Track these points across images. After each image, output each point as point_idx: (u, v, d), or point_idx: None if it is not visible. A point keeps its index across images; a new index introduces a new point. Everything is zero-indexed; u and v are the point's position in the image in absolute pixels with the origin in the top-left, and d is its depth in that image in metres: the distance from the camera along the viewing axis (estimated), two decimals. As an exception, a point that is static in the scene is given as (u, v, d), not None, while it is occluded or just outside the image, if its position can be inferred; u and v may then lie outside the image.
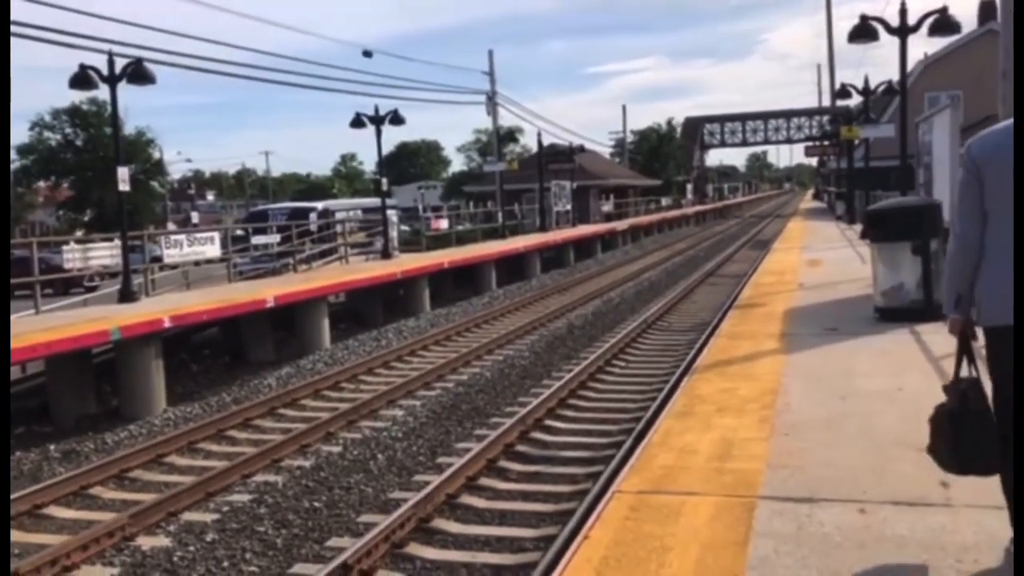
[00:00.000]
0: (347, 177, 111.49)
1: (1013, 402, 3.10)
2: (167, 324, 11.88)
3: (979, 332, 3.43)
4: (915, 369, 6.72)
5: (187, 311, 12.62)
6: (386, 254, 23.05)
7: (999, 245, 3.24)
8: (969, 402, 3.37)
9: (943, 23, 13.97)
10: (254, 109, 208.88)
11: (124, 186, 14.40)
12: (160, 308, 12.85)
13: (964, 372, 3.44)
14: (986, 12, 34.88)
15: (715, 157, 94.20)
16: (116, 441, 10.08)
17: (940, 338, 7.78)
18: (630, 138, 79.57)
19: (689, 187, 69.33)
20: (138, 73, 14.24)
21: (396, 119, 22.98)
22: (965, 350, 3.45)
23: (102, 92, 14.73)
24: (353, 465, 8.44)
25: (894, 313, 8.91)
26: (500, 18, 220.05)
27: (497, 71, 39.61)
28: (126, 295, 14.32)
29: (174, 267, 18.45)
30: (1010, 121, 3.38)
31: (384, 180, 24.70)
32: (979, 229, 3.32)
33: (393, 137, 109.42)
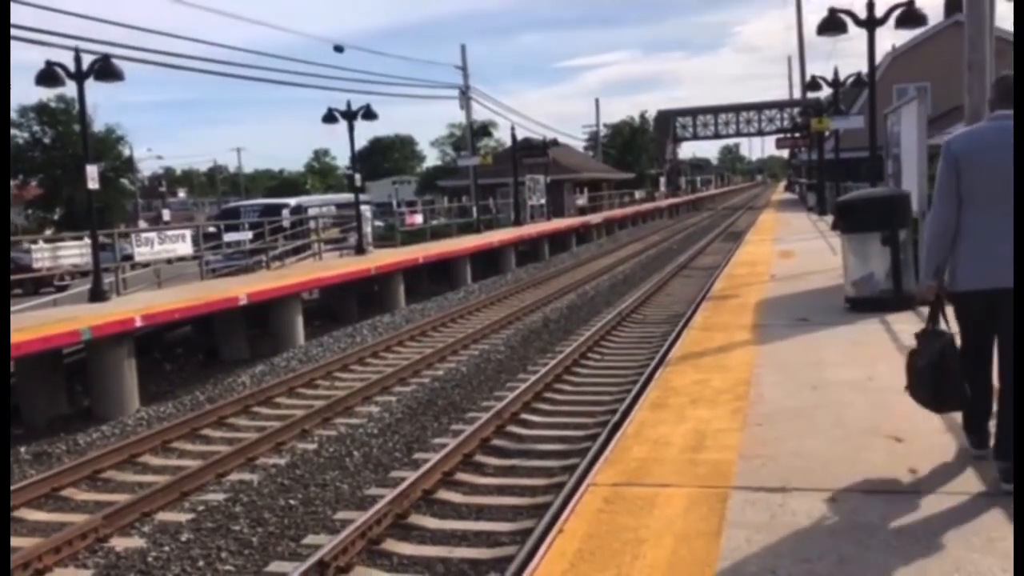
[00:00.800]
0: (320, 173, 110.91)
1: (980, 353, 4.17)
2: (139, 323, 11.77)
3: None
4: (885, 358, 6.81)
5: (159, 310, 12.51)
6: (360, 250, 22.95)
7: (970, 224, 4.04)
8: (947, 358, 4.20)
9: (910, 15, 14.12)
10: (225, 105, 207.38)
11: (93, 184, 14.23)
12: (131, 307, 12.72)
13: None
14: (952, 4, 35.26)
15: (688, 150, 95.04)
16: (88, 442, 9.99)
17: (910, 327, 7.87)
18: (603, 132, 79.77)
19: (662, 180, 69.70)
20: (105, 70, 14.06)
21: (369, 114, 22.87)
22: (940, 309, 4.30)
23: (70, 89, 14.53)
24: (329, 462, 8.42)
25: (864, 303, 9.01)
26: (472, 12, 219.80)
27: (470, 65, 39.59)
28: (97, 294, 14.16)
29: (145, 265, 18.26)
30: (984, 124, 4.32)
31: (357, 175, 24.57)
32: (955, 211, 4.08)
33: (367, 132, 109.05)
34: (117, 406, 11.15)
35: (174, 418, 10.64)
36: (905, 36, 33.35)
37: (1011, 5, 14.80)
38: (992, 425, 4.22)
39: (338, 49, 27.34)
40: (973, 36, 9.69)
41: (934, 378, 4.26)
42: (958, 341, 4.26)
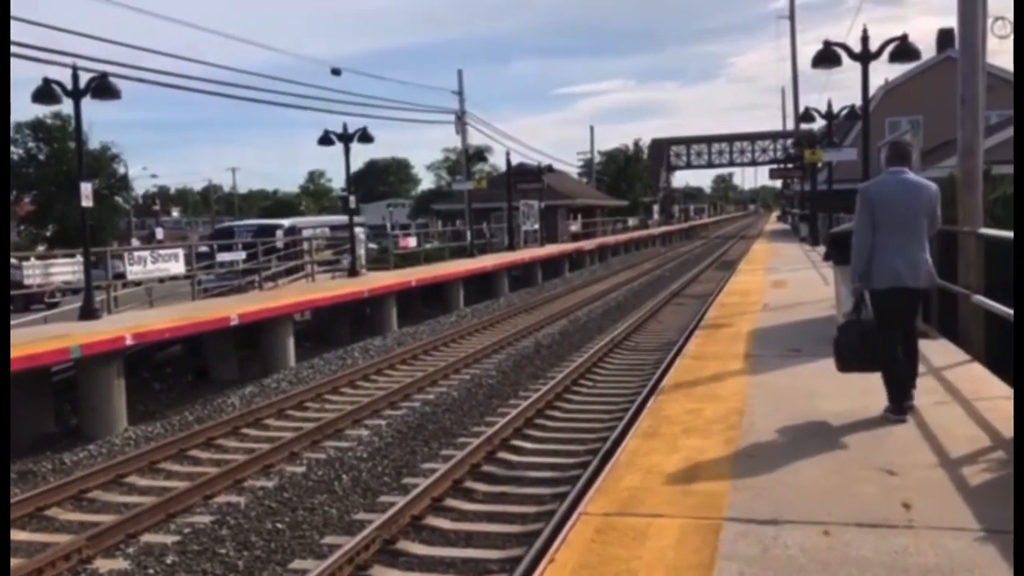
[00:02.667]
0: (315, 194, 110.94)
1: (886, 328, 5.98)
2: (129, 342, 11.70)
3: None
4: (878, 391, 6.76)
5: (150, 329, 12.45)
6: (353, 272, 22.93)
7: (882, 243, 5.91)
8: (868, 336, 5.98)
9: (903, 50, 14.28)
10: (221, 125, 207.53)
11: (87, 201, 14.20)
12: (122, 325, 12.66)
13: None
14: (944, 40, 35.67)
15: (681, 178, 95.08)
16: (75, 461, 9.89)
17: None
18: (598, 159, 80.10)
19: (656, 208, 69.91)
20: (103, 88, 14.09)
21: (365, 137, 22.92)
22: (861, 301, 6.07)
23: (66, 106, 14.54)
24: (317, 486, 8.35)
25: (857, 335, 9.00)
26: (469, 38, 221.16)
27: (466, 90, 39.74)
28: (88, 312, 14.09)
29: (137, 284, 18.19)
30: (886, 176, 6.13)
31: (352, 197, 24.60)
32: (871, 235, 5.94)
33: (362, 154, 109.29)
34: (105, 425, 11.06)
35: (162, 438, 10.56)
36: (898, 70, 33.68)
37: (1002, 42, 14.96)
38: (914, 394, 6.05)
39: (335, 72, 27.49)
40: (966, 71, 9.77)
41: (860, 351, 5.99)
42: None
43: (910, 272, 5.88)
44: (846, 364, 6.20)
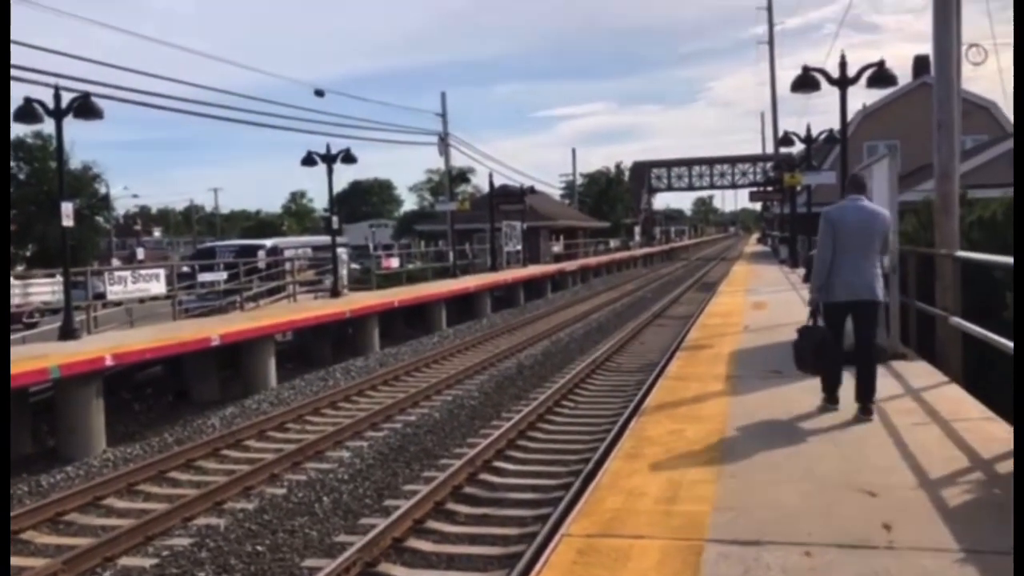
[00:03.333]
0: (297, 215, 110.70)
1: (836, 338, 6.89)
2: (109, 362, 11.61)
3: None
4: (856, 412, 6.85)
5: (130, 349, 12.36)
6: (335, 292, 22.87)
7: (839, 263, 6.74)
8: (825, 344, 6.82)
9: (880, 76, 14.48)
10: (204, 146, 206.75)
11: (68, 221, 14.12)
12: (102, 346, 12.56)
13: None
14: (920, 66, 36.17)
15: (662, 201, 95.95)
16: (52, 483, 9.78)
17: (882, 381, 7.95)
18: (579, 180, 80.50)
19: (637, 229, 70.26)
20: (85, 107, 14.05)
21: (348, 158, 22.95)
22: (817, 313, 6.92)
23: (47, 126, 14.49)
24: (298, 508, 8.29)
25: (837, 356, 9.06)
26: (451, 61, 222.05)
27: (449, 112, 39.84)
28: (67, 332, 13.98)
29: (118, 304, 18.06)
30: (846, 202, 6.98)
31: (335, 218, 24.58)
32: (831, 256, 6.77)
33: (345, 175, 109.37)
34: (83, 447, 10.95)
35: (141, 460, 10.46)
36: (875, 95, 34.11)
37: (976, 68, 15.21)
38: (840, 390, 6.95)
39: (319, 93, 27.46)
40: (941, 97, 9.94)
41: (817, 355, 6.88)
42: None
43: (865, 287, 6.73)
44: (802, 364, 7.12)
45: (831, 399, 6.98)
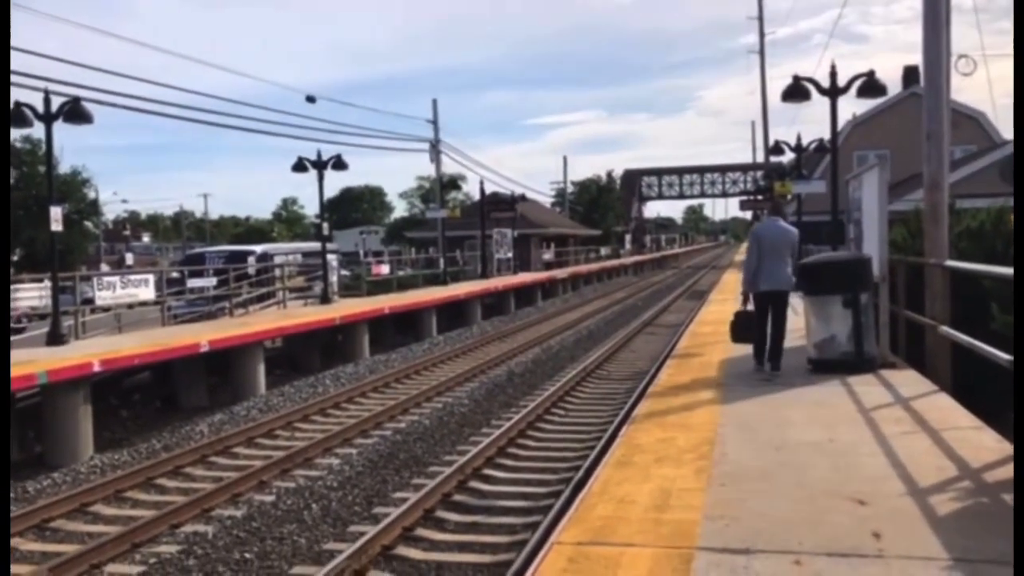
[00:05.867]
0: (287, 221, 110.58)
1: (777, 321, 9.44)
2: (97, 368, 11.55)
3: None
4: (847, 421, 6.86)
5: (118, 355, 12.29)
6: (325, 299, 22.83)
7: (763, 265, 9.33)
8: (751, 318, 9.49)
9: (870, 85, 14.54)
10: (194, 151, 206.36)
11: (57, 226, 14.05)
12: (90, 351, 12.50)
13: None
14: (910, 77, 36.41)
15: (653, 209, 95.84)
16: (38, 490, 9.71)
17: (872, 390, 7.99)
18: (570, 188, 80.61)
19: (627, 237, 70.35)
20: (75, 112, 14.01)
21: (339, 164, 22.93)
22: (747, 301, 9.63)
23: (37, 130, 14.42)
24: (286, 515, 8.25)
25: (826, 364, 9.10)
26: (442, 68, 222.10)
27: (441, 119, 39.91)
28: (55, 338, 13.90)
29: (106, 310, 17.97)
30: (768, 222, 9.88)
31: (325, 224, 24.55)
32: (756, 261, 9.36)
33: (336, 182, 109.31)
34: (70, 453, 10.87)
35: (128, 466, 10.40)
36: (866, 105, 34.28)
37: (965, 79, 15.31)
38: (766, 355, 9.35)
39: (310, 99, 27.50)
40: (931, 107, 9.99)
41: (746, 329, 9.62)
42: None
43: (780, 281, 9.37)
44: (737, 338, 9.81)
45: (760, 361, 9.44)
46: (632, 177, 75.62)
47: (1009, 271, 6.65)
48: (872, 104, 33.90)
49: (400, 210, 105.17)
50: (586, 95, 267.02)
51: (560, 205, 75.93)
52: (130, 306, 17.99)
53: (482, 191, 38.16)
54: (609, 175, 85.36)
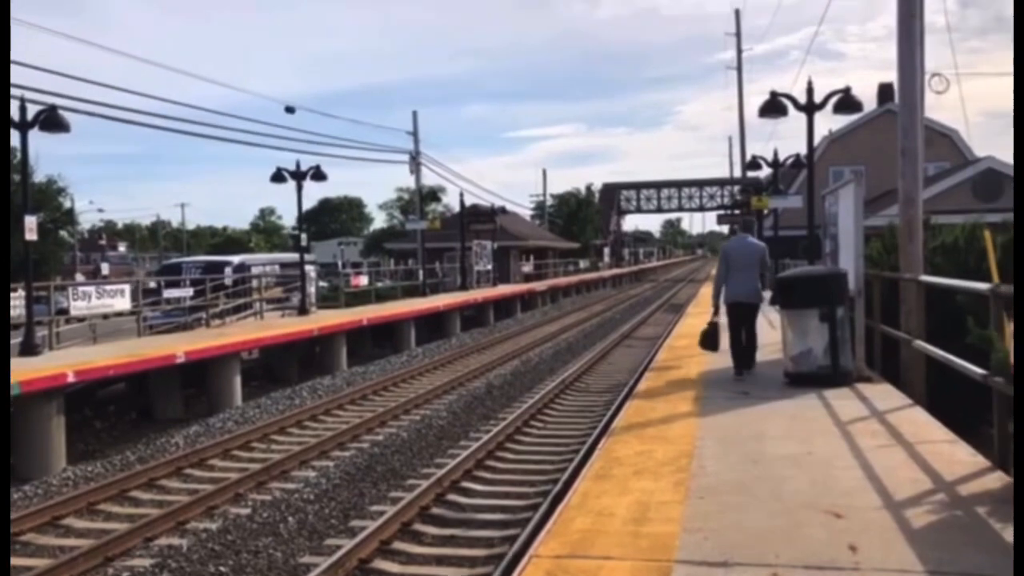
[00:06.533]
0: (265, 231, 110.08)
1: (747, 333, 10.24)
2: (71, 379, 11.42)
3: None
4: (823, 433, 6.91)
5: (93, 366, 12.17)
6: (303, 310, 22.71)
7: (732, 278, 10.16)
8: (717, 328, 10.52)
9: (846, 102, 14.71)
10: (172, 160, 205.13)
11: (31, 235, 13.91)
12: (64, 362, 12.36)
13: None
14: (885, 94, 36.87)
15: (631, 222, 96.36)
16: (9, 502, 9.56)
17: (847, 403, 8.05)
18: (550, 201, 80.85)
19: (606, 250, 70.58)
20: (51, 120, 13.90)
21: (318, 175, 22.86)
22: (717, 312, 10.55)
23: (12, 138, 14.28)
24: (262, 528, 8.18)
25: (803, 378, 9.16)
26: (423, 81, 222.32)
27: (421, 131, 39.89)
28: (28, 348, 13.73)
29: (81, 320, 17.78)
30: (736, 239, 10.76)
31: (303, 235, 24.45)
32: (726, 273, 10.22)
33: (315, 193, 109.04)
34: (42, 465, 10.74)
35: (102, 479, 10.27)
36: (841, 121, 34.65)
37: (939, 97, 15.52)
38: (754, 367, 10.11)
39: (289, 110, 27.40)
40: (906, 124, 10.13)
41: (713, 337, 10.56)
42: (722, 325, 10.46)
43: (749, 293, 10.11)
44: (703, 344, 10.75)
45: (738, 372, 10.04)
46: (611, 191, 75.90)
47: (983, 285, 6.75)
48: (848, 120, 34.32)
49: (379, 221, 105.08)
50: (566, 109, 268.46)
51: (540, 218, 76.11)
52: (105, 316, 17.81)
53: (462, 203, 38.21)
54: (588, 188, 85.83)
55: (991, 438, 6.08)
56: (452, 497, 8.85)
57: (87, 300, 16.37)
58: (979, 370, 6.32)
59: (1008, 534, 4.35)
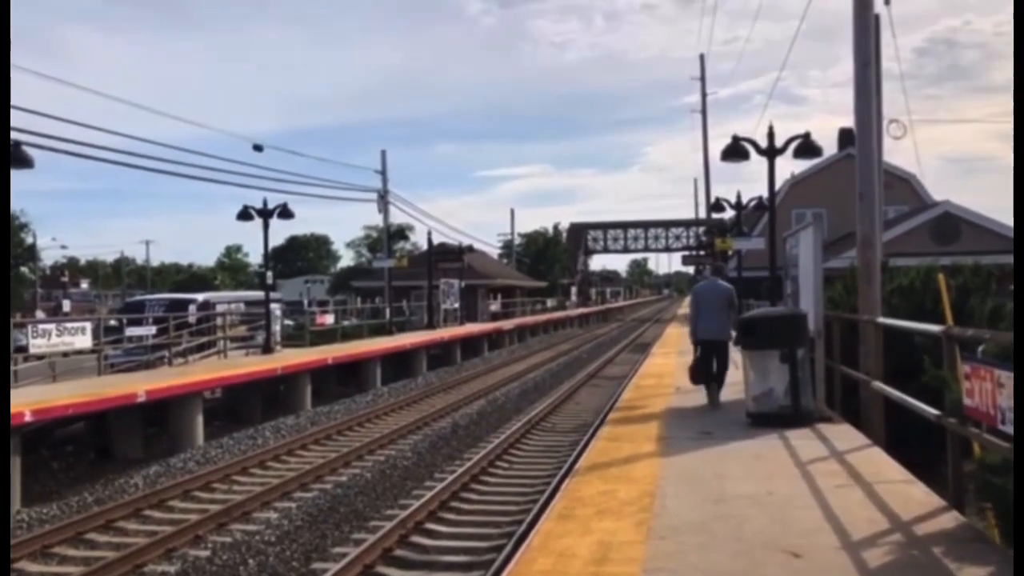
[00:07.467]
0: (231, 269, 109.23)
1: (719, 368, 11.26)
2: (28, 419, 11.22)
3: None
4: (783, 474, 6.98)
5: (51, 405, 11.97)
6: (268, 349, 22.53)
7: (703, 317, 11.10)
8: (700, 363, 11.15)
9: (806, 147, 15.02)
10: (137, 197, 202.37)
11: (-10, 271, 13.72)
12: (22, 401, 12.13)
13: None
14: (845, 138, 37.64)
15: (598, 262, 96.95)
16: (-40, 545, 9.32)
17: (808, 443, 8.15)
18: (518, 240, 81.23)
19: (573, 290, 70.94)
20: (15, 156, 13.79)
21: (285, 213, 22.82)
22: (696, 348, 11.23)
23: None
24: (221, 571, 8.05)
25: (764, 418, 9.25)
26: (392, 119, 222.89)
27: (389, 170, 40.02)
28: (-17, 386, 13.45)
29: (40, 358, 17.49)
30: (707, 282, 11.74)
31: (269, 273, 24.34)
32: (698, 313, 11.19)
33: (282, 230, 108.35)
34: (-5, 507, 10.47)
35: (57, 520, 10.05)
36: (803, 165, 35.27)
37: (898, 142, 15.90)
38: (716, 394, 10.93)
39: (257, 148, 27.31)
40: (864, 169, 10.39)
41: (700, 372, 11.14)
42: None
43: (718, 331, 11.05)
44: (696, 380, 11.31)
45: (713, 404, 10.90)
46: (578, 230, 76.51)
47: (936, 328, 6.91)
48: (810, 164, 34.93)
49: (347, 259, 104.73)
50: (534, 149, 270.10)
51: (507, 257, 76.38)
52: (65, 354, 17.53)
53: (430, 241, 38.27)
54: (556, 228, 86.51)
55: (946, 478, 6.18)
56: (416, 539, 8.78)
57: (47, 338, 16.13)
58: (933, 411, 6.44)
59: (963, 574, 4.42)
